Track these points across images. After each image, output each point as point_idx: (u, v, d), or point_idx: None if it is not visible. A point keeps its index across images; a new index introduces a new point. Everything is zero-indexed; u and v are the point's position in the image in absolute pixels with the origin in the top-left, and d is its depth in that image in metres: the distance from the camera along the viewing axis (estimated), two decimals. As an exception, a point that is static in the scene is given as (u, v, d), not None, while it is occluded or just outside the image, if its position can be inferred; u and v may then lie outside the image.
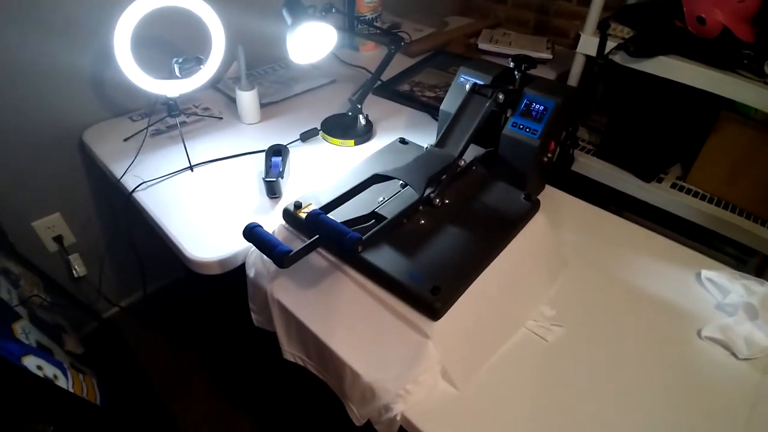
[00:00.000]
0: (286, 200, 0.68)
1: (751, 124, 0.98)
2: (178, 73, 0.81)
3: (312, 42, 0.82)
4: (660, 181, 1.06)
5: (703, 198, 1.03)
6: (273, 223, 0.69)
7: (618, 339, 0.60)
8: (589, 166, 1.11)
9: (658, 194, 1.04)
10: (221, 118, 0.99)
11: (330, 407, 0.63)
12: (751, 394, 0.55)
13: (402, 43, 0.89)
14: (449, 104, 0.76)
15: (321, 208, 0.58)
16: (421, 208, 0.64)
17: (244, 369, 1.17)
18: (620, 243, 0.74)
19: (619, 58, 0.97)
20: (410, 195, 0.62)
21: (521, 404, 0.53)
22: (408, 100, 1.06)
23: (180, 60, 0.81)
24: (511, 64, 0.72)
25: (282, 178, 0.78)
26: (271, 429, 1.07)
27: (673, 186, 1.06)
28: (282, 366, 0.66)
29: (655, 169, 1.06)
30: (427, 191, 0.64)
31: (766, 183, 0.98)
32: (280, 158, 0.81)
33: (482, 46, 1.28)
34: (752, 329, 0.61)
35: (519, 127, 0.70)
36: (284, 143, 0.87)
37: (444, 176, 0.64)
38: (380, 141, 0.91)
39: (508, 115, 0.72)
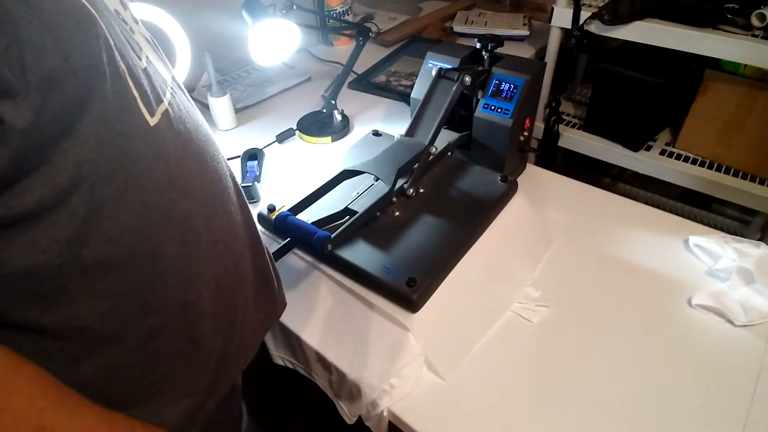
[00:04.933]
0: (265, 204, 0.68)
1: (739, 81, 0.95)
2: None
3: (275, 41, 0.80)
4: (648, 148, 1.04)
5: (694, 162, 1.01)
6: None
7: (605, 314, 0.59)
8: (575, 140, 1.09)
9: (648, 162, 1.01)
10: (198, 128, 0.98)
11: (326, 407, 0.63)
12: (754, 362, 0.53)
13: (370, 34, 0.87)
14: (419, 91, 0.74)
15: (290, 210, 0.57)
16: (395, 199, 0.63)
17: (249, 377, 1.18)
18: (606, 217, 0.72)
19: (594, 27, 0.94)
20: (383, 188, 0.61)
21: (509, 389, 0.52)
22: (385, 90, 1.04)
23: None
24: (478, 45, 0.70)
25: (258, 182, 0.77)
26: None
27: (663, 152, 1.03)
28: (279, 370, 0.66)
29: (642, 137, 1.03)
30: (400, 182, 0.62)
31: (760, 141, 0.95)
32: (256, 162, 0.80)
33: (458, 28, 1.26)
34: (749, 294, 0.59)
35: (490, 108, 0.68)
36: (261, 146, 0.86)
37: (416, 165, 0.63)
38: (358, 135, 0.90)
39: (479, 97, 0.70)
